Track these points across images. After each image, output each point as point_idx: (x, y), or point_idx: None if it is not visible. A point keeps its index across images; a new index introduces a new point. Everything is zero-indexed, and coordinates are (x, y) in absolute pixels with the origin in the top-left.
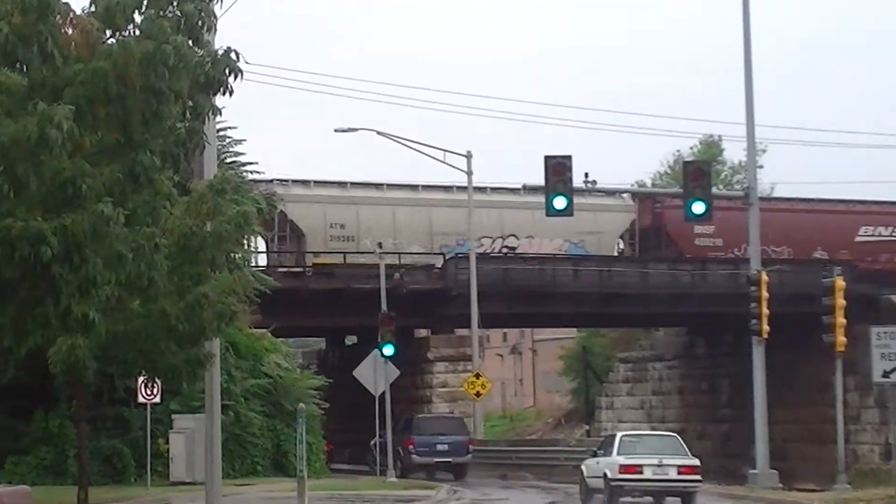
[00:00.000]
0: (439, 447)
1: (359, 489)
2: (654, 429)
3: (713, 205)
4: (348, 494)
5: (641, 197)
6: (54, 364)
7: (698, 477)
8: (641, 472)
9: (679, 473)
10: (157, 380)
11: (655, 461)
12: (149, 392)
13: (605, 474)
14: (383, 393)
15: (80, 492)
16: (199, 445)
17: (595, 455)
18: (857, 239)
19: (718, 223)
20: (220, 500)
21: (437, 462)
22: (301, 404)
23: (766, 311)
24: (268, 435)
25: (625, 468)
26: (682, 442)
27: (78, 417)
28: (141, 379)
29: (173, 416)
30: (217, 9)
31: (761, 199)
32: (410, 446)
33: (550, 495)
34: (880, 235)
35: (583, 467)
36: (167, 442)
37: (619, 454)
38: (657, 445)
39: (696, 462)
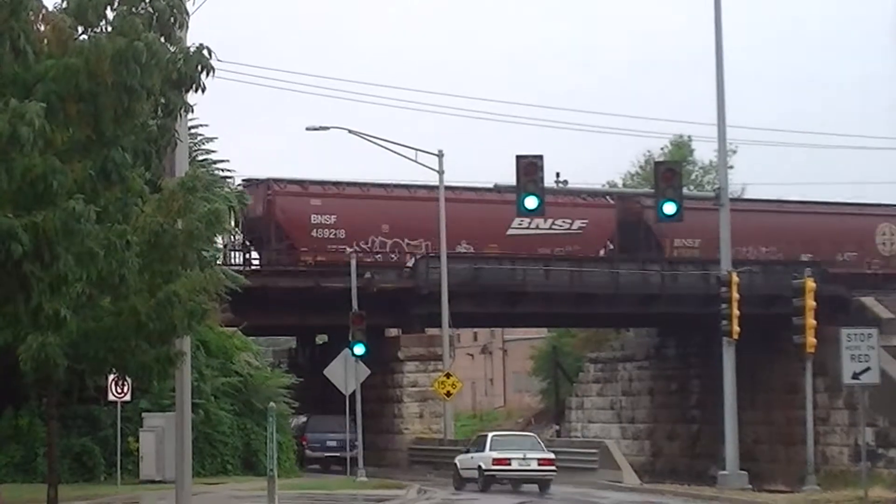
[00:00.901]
0: (329, 443)
1: (329, 488)
2: (623, 429)
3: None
4: (318, 493)
5: (255, 183)
6: (24, 362)
7: (553, 468)
8: (510, 464)
9: (539, 465)
10: (127, 378)
11: (521, 455)
12: (119, 390)
13: (479, 466)
14: (353, 392)
15: (50, 490)
16: (169, 444)
17: (468, 451)
18: (510, 232)
19: (339, 212)
20: (189, 499)
21: (327, 456)
22: (271, 403)
23: (736, 312)
24: (238, 433)
25: (497, 461)
26: (539, 440)
27: (48, 415)
28: (111, 377)
29: (143, 414)
30: (189, 5)
31: (371, 186)
32: (305, 443)
33: (520, 496)
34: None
35: (457, 461)
36: (137, 440)
37: (491, 450)
38: (521, 443)
39: (552, 456)
